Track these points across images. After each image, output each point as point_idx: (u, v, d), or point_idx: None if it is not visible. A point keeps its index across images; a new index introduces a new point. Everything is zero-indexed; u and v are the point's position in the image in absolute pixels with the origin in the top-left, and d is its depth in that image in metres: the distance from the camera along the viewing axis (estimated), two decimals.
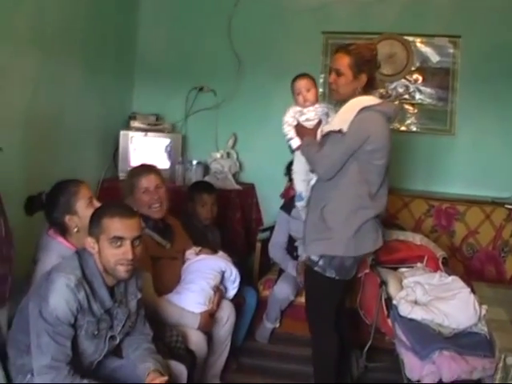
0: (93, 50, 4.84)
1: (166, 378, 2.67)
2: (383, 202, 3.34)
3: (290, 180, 4.49)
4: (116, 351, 2.85)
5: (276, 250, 4.65)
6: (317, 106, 3.48)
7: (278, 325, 4.59)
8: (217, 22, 5.56)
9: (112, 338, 2.74)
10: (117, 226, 2.63)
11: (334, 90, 3.34)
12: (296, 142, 3.44)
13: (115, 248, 2.62)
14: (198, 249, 3.88)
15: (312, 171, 3.44)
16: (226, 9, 5.50)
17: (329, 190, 3.26)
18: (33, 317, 2.54)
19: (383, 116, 3.22)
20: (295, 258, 4.58)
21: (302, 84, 3.48)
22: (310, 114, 3.45)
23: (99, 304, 2.63)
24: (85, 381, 2.53)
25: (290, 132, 3.46)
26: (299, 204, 3.59)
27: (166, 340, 3.20)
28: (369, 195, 3.24)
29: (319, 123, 3.44)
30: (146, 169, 3.80)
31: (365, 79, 3.24)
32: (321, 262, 3.29)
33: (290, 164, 4.43)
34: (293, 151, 3.52)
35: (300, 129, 3.43)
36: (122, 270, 2.64)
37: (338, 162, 3.19)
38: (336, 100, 3.46)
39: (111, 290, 2.72)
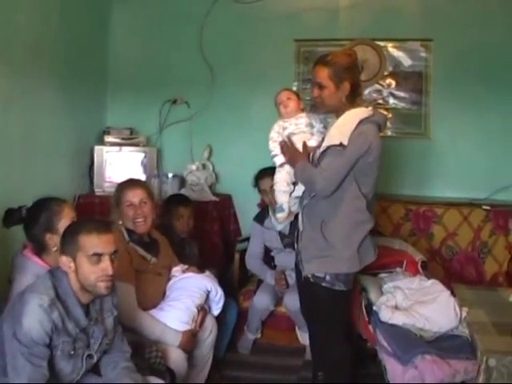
0: (64, 67, 4.80)
1: None
2: (373, 211, 3.36)
3: (259, 191, 4.48)
4: (94, 369, 2.80)
5: (253, 261, 4.64)
6: (298, 116, 3.45)
7: (259, 335, 4.58)
8: (188, 34, 5.56)
9: (89, 356, 2.69)
10: (95, 242, 2.60)
11: (319, 104, 3.30)
12: (280, 159, 3.43)
13: (94, 265, 2.59)
14: (185, 266, 3.85)
15: (295, 183, 3.42)
16: (196, 20, 5.49)
17: (327, 207, 3.22)
18: (7, 339, 2.50)
19: (377, 127, 3.23)
20: (273, 267, 4.58)
21: (282, 94, 3.51)
22: (291, 128, 3.42)
23: (74, 323, 2.59)
24: None
25: (274, 149, 3.45)
26: (280, 215, 3.53)
27: (146, 356, 3.16)
28: (367, 209, 3.24)
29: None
30: (133, 183, 3.76)
31: (348, 87, 3.20)
32: (328, 278, 3.26)
33: (258, 174, 4.43)
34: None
35: (288, 149, 3.39)
36: (102, 287, 2.61)
37: (338, 175, 3.15)
38: (323, 113, 3.43)
39: (86, 309, 2.67)
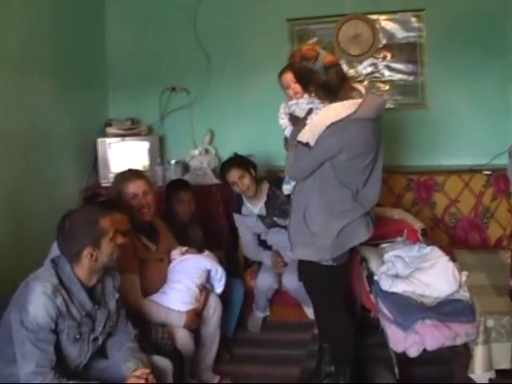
0: (61, 63, 4.87)
1: (148, 371, 2.71)
2: (373, 196, 3.29)
3: (228, 185, 4.48)
4: (101, 352, 2.89)
5: (249, 249, 4.68)
6: (304, 97, 3.36)
7: (268, 313, 4.62)
8: (182, 21, 5.58)
9: (95, 339, 2.78)
10: (110, 222, 2.76)
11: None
12: (289, 131, 3.45)
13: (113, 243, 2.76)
14: (184, 249, 3.90)
15: None
16: (189, 6, 5.51)
17: (309, 194, 3.23)
18: (15, 326, 2.59)
19: (359, 123, 3.06)
20: (269, 248, 4.62)
21: (288, 78, 3.50)
22: (294, 108, 3.37)
23: (79, 308, 2.68)
24: (71, 381, 2.58)
25: (283, 124, 3.47)
26: (285, 187, 3.53)
27: (153, 337, 3.25)
28: (352, 198, 3.19)
29: (310, 111, 3.32)
30: (134, 174, 3.79)
31: (315, 90, 3.19)
32: None
33: (222, 168, 4.45)
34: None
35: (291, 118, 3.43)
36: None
37: (304, 173, 3.19)
38: None
39: (90, 293, 2.76)
